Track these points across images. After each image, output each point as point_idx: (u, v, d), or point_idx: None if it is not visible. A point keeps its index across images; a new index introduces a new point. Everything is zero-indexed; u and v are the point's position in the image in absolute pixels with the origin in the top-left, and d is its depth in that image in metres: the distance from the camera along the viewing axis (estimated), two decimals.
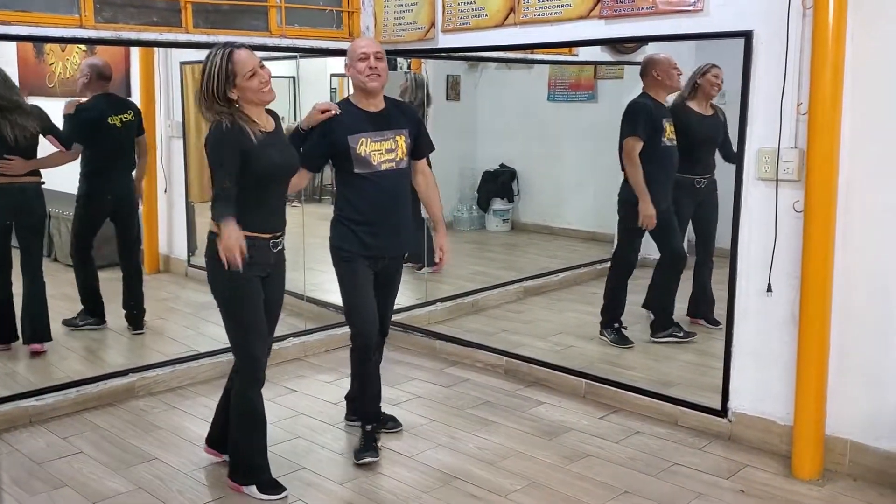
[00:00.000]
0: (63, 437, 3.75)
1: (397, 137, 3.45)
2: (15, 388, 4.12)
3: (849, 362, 3.33)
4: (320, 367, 4.60)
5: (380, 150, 3.41)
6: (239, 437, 3.21)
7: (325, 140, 3.40)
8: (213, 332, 5.13)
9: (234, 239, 2.85)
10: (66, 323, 5.12)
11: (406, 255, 3.71)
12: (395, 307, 3.96)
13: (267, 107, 3.12)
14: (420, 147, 3.59)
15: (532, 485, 3.33)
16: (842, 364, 3.34)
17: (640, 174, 4.54)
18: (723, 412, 3.73)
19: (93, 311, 5.15)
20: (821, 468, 3.38)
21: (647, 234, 4.76)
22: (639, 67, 6.29)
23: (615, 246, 5.07)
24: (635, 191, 4.57)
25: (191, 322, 5.44)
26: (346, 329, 5.08)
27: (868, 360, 3.30)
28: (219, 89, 2.94)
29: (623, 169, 4.66)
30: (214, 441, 3.48)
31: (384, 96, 3.51)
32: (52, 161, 4.77)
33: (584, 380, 4.26)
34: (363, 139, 3.39)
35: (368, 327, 3.52)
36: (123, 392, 4.19)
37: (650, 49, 5.90)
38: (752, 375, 3.61)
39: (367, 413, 3.63)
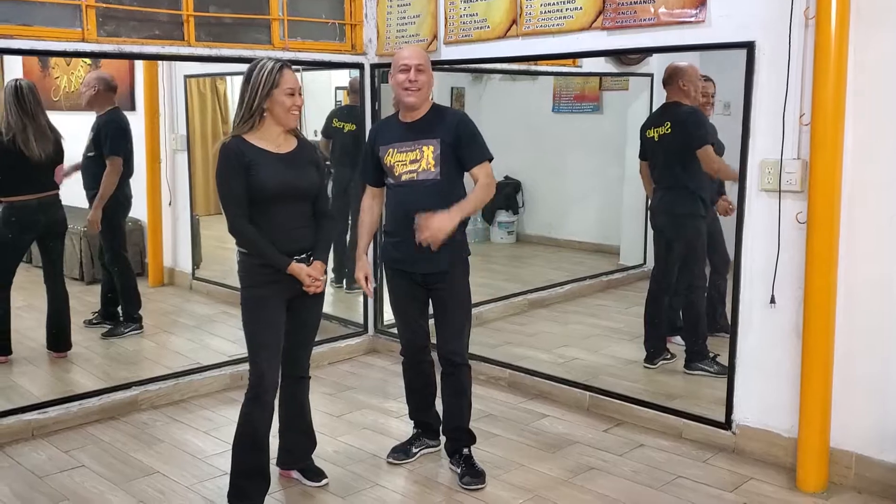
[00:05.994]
0: (65, 450, 3.74)
1: (423, 148, 3.32)
2: (17, 401, 4.12)
3: (853, 374, 3.31)
4: (323, 379, 4.58)
5: (404, 161, 3.34)
6: (233, 454, 3.16)
7: (372, 152, 3.46)
8: (217, 346, 5.14)
9: (305, 271, 3.10)
10: (108, 334, 5.29)
11: (443, 272, 3.41)
12: None
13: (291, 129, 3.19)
14: (462, 157, 3.32)
15: (535, 498, 3.31)
16: (846, 376, 3.31)
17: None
18: (727, 425, 3.70)
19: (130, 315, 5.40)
20: (825, 481, 3.35)
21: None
22: (643, 79, 6.27)
23: (700, 271, 4.63)
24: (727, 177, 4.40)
25: (194, 335, 5.43)
26: (349, 342, 5.14)
27: (872, 372, 3.27)
28: (258, 96, 3.03)
29: (665, 185, 4.52)
30: (281, 460, 3.45)
31: (434, 104, 3.42)
32: (110, 182, 5.07)
33: (588, 392, 4.23)
34: (391, 150, 3.37)
35: (407, 339, 3.61)
36: (126, 405, 4.19)
37: (654, 60, 5.91)
38: (757, 387, 3.59)
39: (415, 419, 3.76)
